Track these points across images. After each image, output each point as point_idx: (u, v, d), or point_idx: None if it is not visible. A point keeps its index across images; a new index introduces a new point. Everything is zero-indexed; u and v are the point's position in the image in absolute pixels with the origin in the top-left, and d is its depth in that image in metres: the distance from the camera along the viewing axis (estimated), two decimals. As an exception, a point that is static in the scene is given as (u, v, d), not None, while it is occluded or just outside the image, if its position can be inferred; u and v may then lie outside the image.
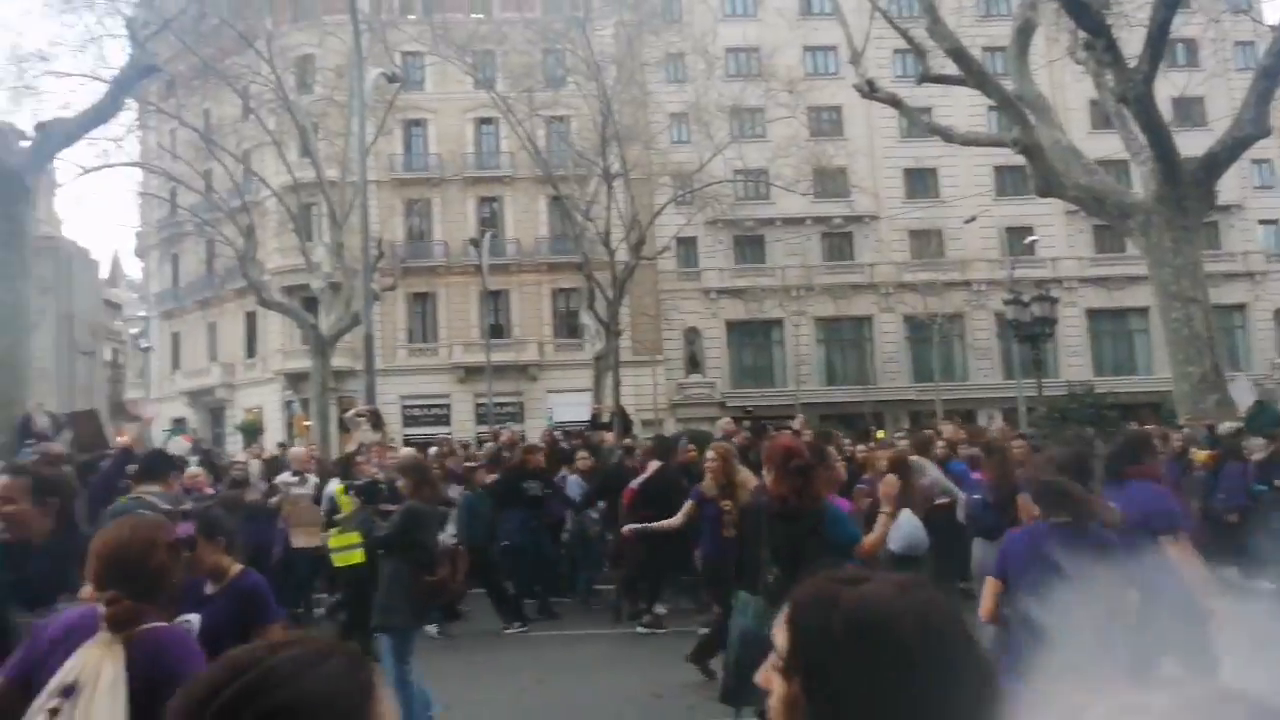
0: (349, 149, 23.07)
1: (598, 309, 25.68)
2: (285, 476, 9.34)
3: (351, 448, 14.09)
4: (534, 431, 29.92)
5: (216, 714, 1.00)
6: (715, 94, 26.55)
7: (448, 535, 9.10)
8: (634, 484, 9.66)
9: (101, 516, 5.12)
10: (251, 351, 38.65)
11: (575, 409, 31.83)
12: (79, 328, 17.39)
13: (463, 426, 35.47)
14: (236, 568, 3.95)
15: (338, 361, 26.37)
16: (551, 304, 38.11)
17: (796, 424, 12.84)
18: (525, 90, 24.27)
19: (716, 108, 26.78)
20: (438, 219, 36.66)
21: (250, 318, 37.71)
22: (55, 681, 2.35)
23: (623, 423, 18.04)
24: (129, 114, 19.07)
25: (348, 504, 8.43)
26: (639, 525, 8.47)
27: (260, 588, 3.97)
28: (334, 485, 9.04)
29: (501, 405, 32.96)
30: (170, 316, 42.58)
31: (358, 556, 8.42)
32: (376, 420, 14.95)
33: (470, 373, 35.71)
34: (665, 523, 8.09)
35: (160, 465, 5.92)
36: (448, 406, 36.89)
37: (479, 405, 34.65)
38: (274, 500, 9.32)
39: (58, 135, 15.14)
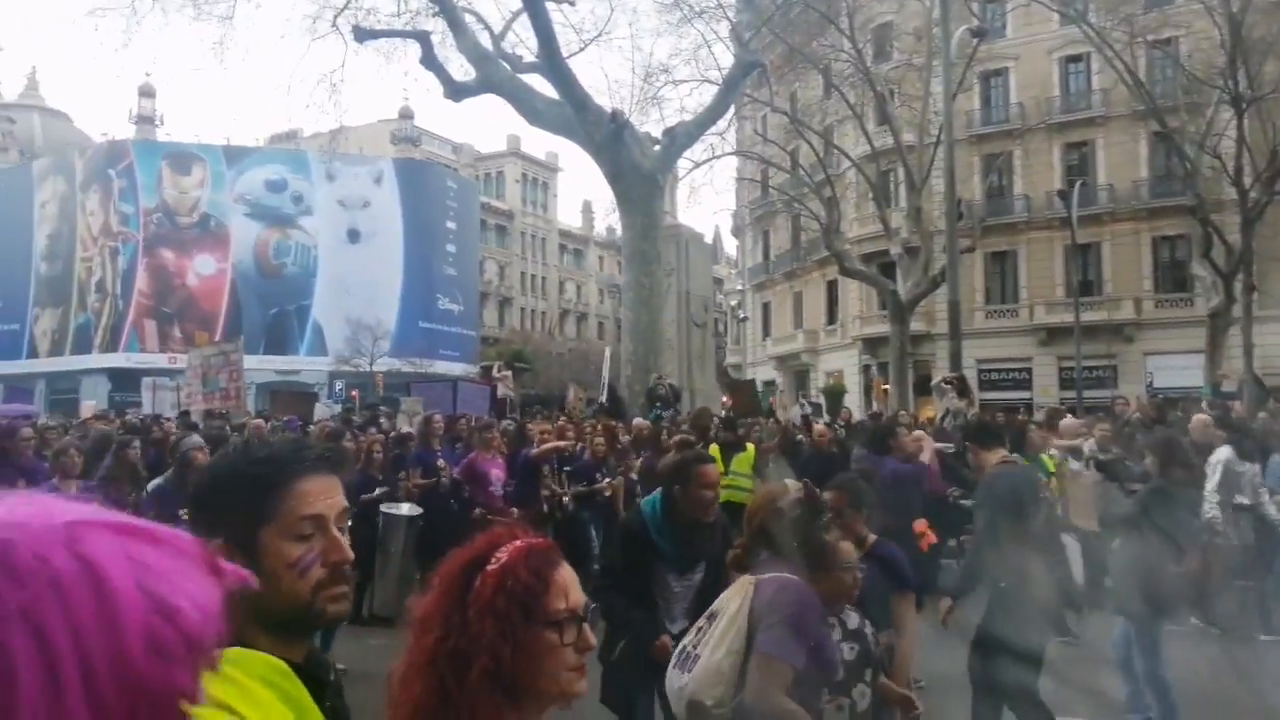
0: (925, 112, 22.91)
1: (1214, 257, 22.02)
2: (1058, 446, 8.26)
3: (937, 414, 14.12)
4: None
5: None
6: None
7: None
8: None
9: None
10: (832, 318, 40.83)
11: (1180, 373, 28.00)
12: (694, 303, 19.91)
13: (1045, 392, 33.35)
14: (873, 537, 4.16)
15: (914, 326, 26.51)
16: (1152, 255, 33.80)
17: None
18: (1124, 16, 21.58)
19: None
20: (1018, 172, 34.64)
21: (831, 286, 39.83)
22: (710, 608, 2.96)
23: (1256, 392, 15.28)
24: (730, 108, 21.19)
25: (1050, 467, 8.01)
26: None
27: (895, 556, 4.14)
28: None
29: (1090, 369, 30.18)
30: (761, 288, 47.05)
31: None
32: (963, 387, 14.73)
33: (1054, 334, 33.37)
34: None
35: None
36: (1028, 370, 34.94)
37: (1064, 369, 32.26)
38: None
39: (682, 137, 17.52)
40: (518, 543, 1.44)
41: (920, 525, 6.21)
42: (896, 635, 3.93)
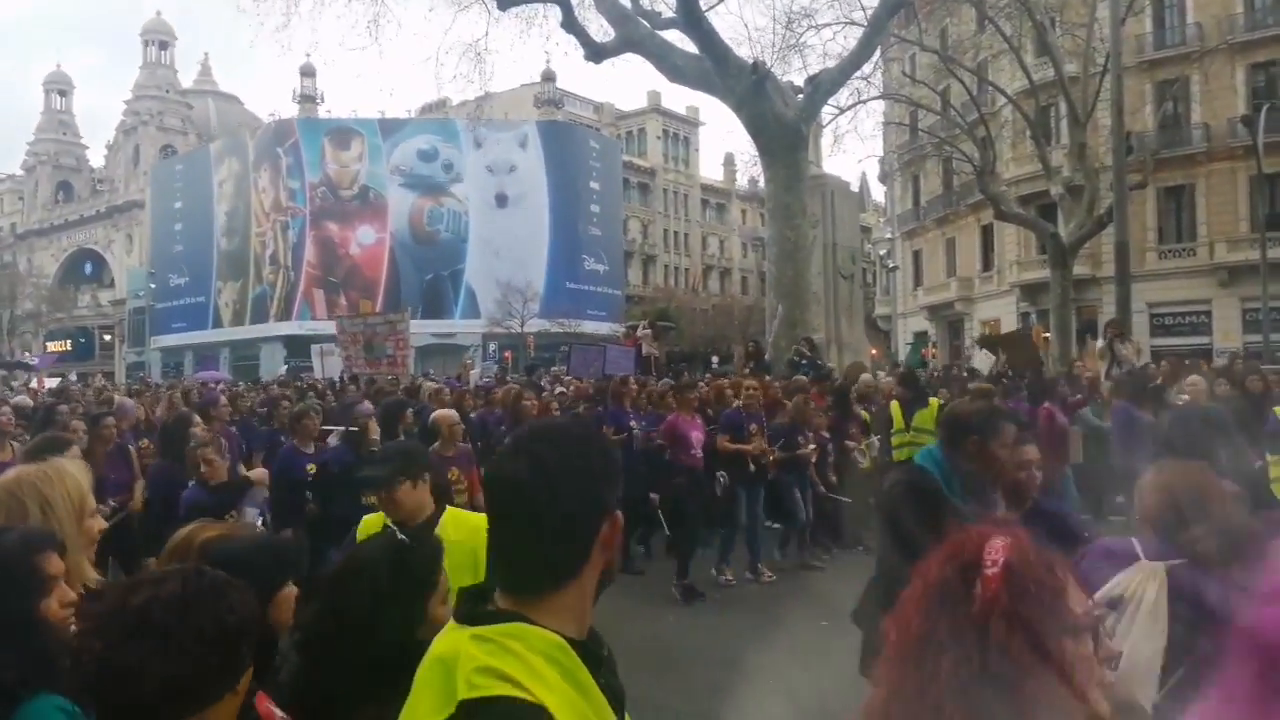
0: (1090, 39, 21.43)
1: None
2: None
3: (1101, 364, 13.39)
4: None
5: None
6: None
7: None
8: None
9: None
10: (987, 265, 39.14)
11: (1388, 313, 25.42)
12: (841, 254, 19.49)
13: (1226, 336, 31.05)
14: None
15: (1077, 269, 25.10)
16: (1354, 182, 30.67)
17: None
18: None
19: None
20: (1196, 99, 31.91)
21: (985, 231, 38.14)
22: (1102, 593, 2.56)
23: None
24: (876, 50, 20.43)
25: None
26: None
27: (1064, 514, 3.91)
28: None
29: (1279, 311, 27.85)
30: (911, 236, 45.51)
31: None
32: (1120, 331, 13.87)
33: (1236, 273, 30.91)
34: None
35: None
36: (1207, 313, 32.54)
37: (1247, 311, 29.86)
38: None
39: (825, 84, 17.05)
40: (1005, 539, 1.21)
41: None
42: None
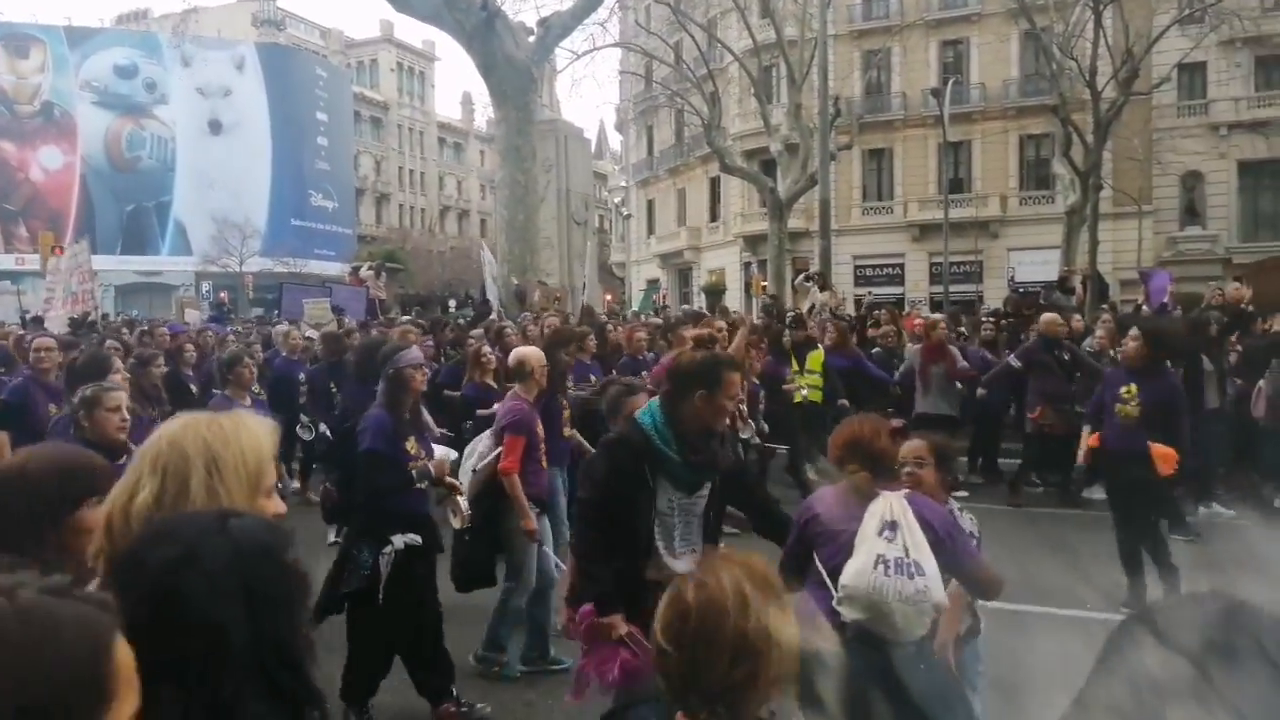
0: (807, 5, 22.75)
1: (1073, 156, 22.96)
2: None
3: (804, 307, 14.56)
4: (994, 294, 28.38)
5: None
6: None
7: None
8: None
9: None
10: (715, 216, 41.02)
11: (1040, 268, 29.41)
12: (575, 200, 19.67)
13: (916, 287, 34.72)
14: None
15: (793, 223, 26.91)
16: (1019, 154, 35.05)
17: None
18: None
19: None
20: (896, 70, 35.01)
21: (714, 183, 39.86)
22: (883, 517, 2.99)
23: (1098, 287, 16.21)
24: (610, -2, 20.55)
25: None
26: None
27: None
28: None
29: (958, 265, 31.50)
30: (646, 185, 46.70)
31: None
32: (823, 282, 15.17)
33: (925, 230, 34.51)
34: None
35: None
36: (901, 266, 36.19)
37: (934, 265, 33.53)
38: None
39: (556, 28, 16.93)
40: None
41: None
42: None
